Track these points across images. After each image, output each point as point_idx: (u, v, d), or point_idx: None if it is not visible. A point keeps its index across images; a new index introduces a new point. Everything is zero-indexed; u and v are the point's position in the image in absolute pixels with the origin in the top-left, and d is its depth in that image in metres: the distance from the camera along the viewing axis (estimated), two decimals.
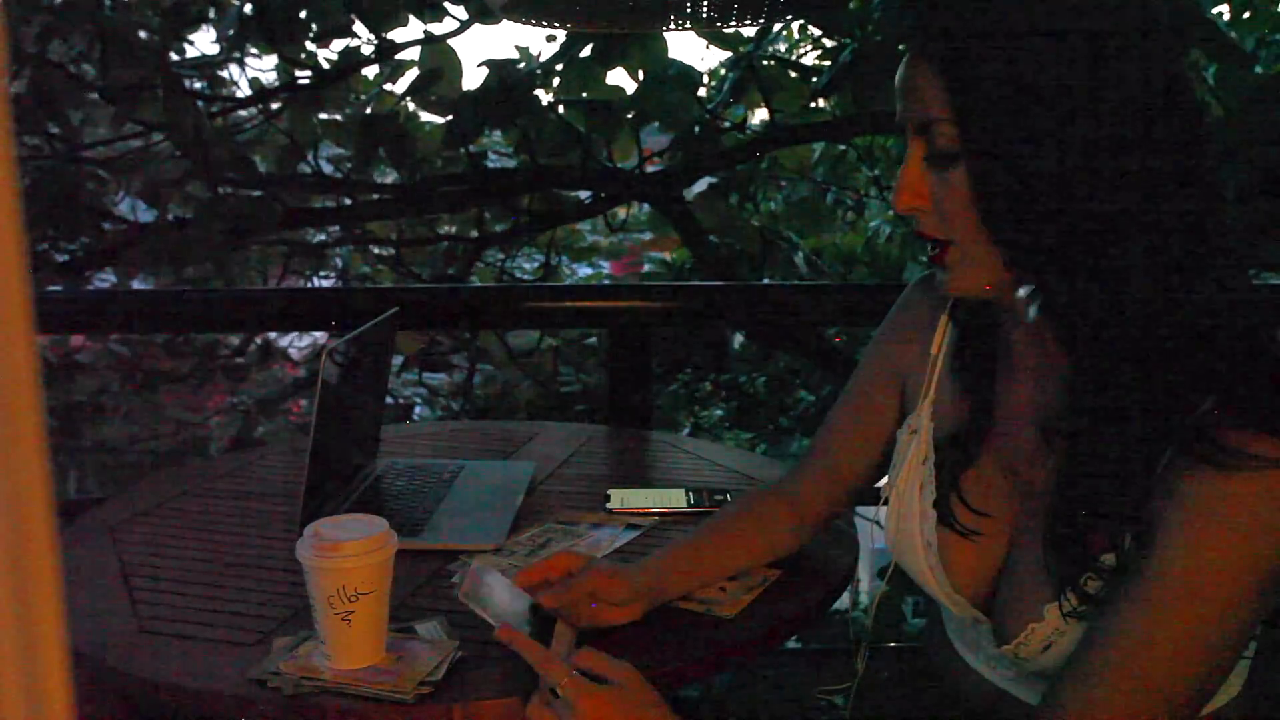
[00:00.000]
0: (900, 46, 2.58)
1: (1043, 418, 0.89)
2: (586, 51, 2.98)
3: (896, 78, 0.85)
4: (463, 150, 3.06)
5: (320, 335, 3.59)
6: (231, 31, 3.02)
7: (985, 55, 0.78)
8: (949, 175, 0.82)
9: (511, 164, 3.32)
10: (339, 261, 3.90)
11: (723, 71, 3.35)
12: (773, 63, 3.09)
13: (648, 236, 3.89)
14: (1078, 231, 0.77)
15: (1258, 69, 2.97)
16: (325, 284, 3.88)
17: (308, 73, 3.22)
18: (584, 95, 3.06)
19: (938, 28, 0.80)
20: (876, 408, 1.09)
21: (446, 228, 3.73)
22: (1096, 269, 0.77)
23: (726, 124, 3.20)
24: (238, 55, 3.27)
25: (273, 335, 3.68)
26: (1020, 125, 0.77)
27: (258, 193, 3.21)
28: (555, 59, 3.02)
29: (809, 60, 3.39)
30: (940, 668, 1.04)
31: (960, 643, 1.01)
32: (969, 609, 0.95)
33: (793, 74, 3.08)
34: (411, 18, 2.99)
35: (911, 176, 0.84)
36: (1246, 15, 3.15)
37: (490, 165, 3.26)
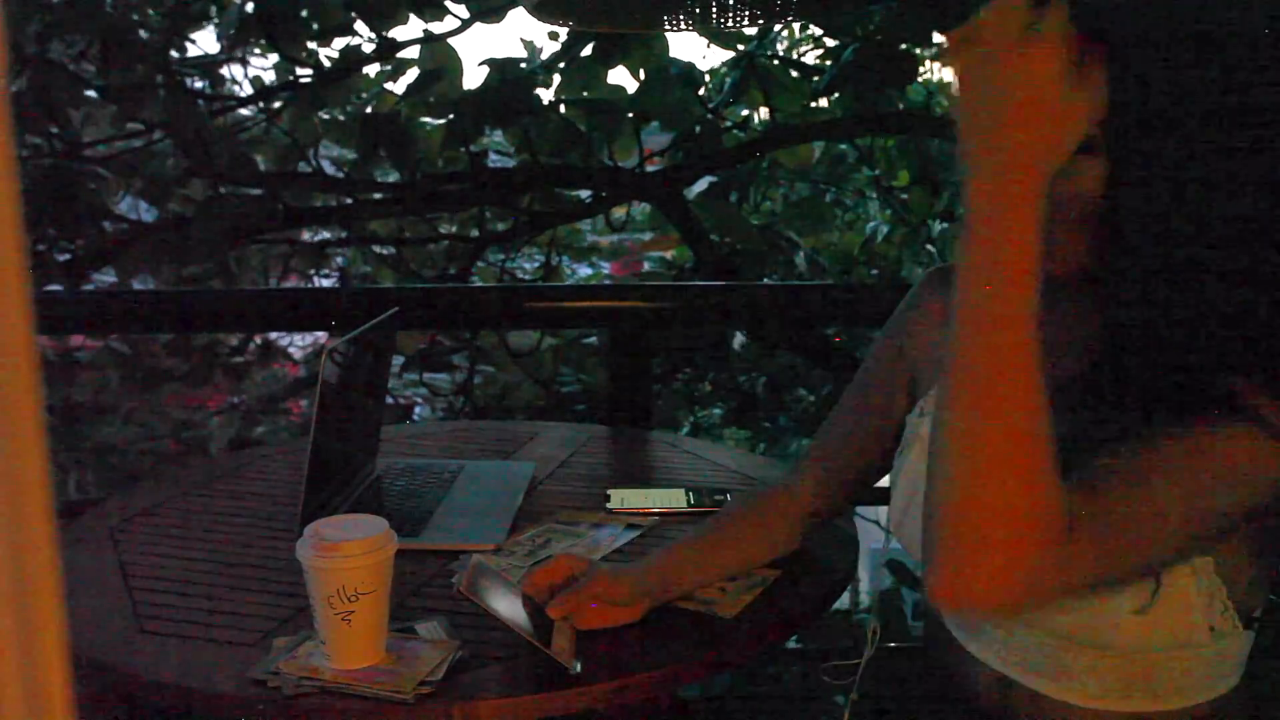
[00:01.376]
0: (904, 46, 2.59)
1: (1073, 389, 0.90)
2: (588, 51, 2.98)
3: None
4: (464, 149, 3.06)
5: (320, 335, 3.58)
6: (233, 30, 3.02)
7: (1153, 52, 0.76)
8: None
9: (512, 163, 3.32)
10: (340, 261, 3.90)
11: (724, 71, 3.34)
12: (774, 62, 3.09)
13: (648, 236, 3.88)
14: (1207, 235, 0.77)
15: None
16: (325, 284, 3.87)
17: (309, 72, 3.22)
18: (585, 94, 3.06)
19: (1105, 16, 0.78)
20: (881, 406, 1.09)
21: (447, 227, 3.73)
22: (1219, 274, 0.78)
23: (727, 123, 3.20)
24: (239, 54, 3.27)
25: (273, 335, 3.68)
26: (1175, 126, 0.76)
27: (258, 192, 3.21)
28: (556, 58, 3.02)
29: (810, 59, 3.39)
30: (941, 663, 1.04)
31: (960, 630, 1.01)
32: None
33: (794, 73, 3.08)
34: (412, 16, 2.99)
35: None
36: None
37: (491, 165, 3.26)
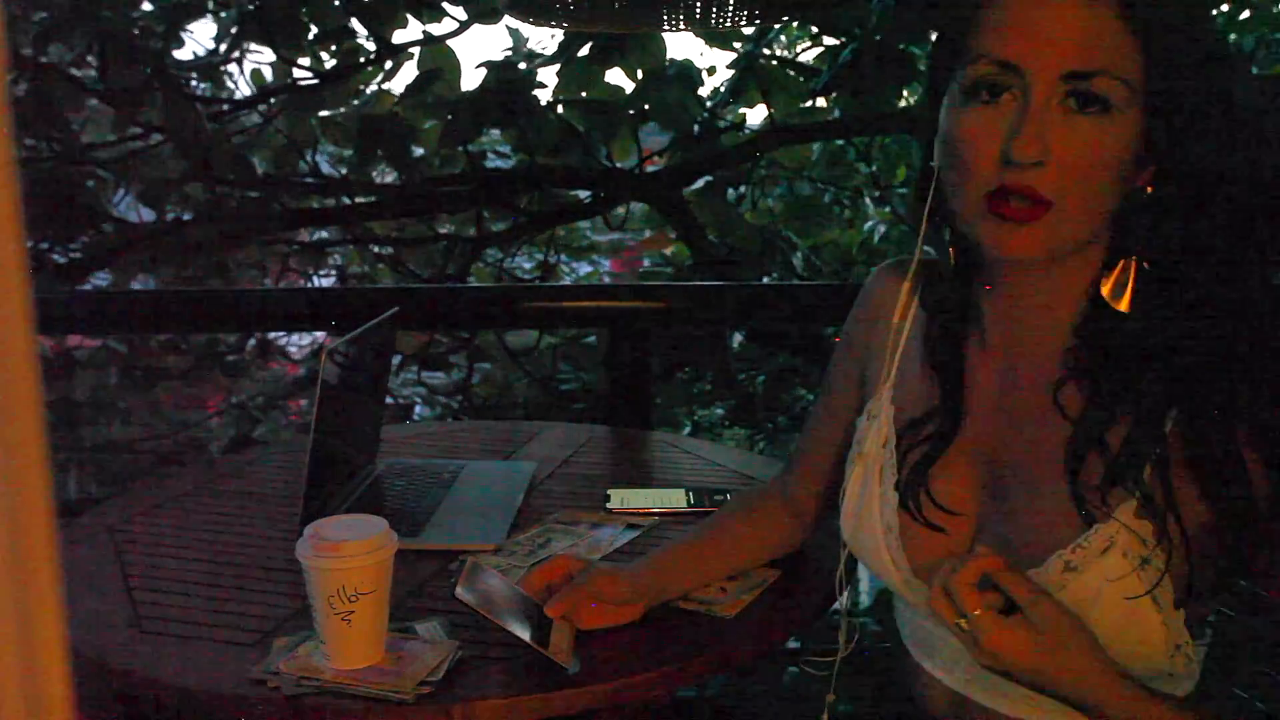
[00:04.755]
0: (902, 46, 2.58)
1: (1013, 398, 0.90)
2: (585, 50, 2.98)
3: (1030, 22, 0.79)
4: (462, 149, 3.06)
5: (320, 335, 3.58)
6: (233, 30, 3.02)
7: (1185, 16, 0.78)
8: (1089, 128, 0.78)
9: (510, 163, 3.32)
10: (338, 260, 3.90)
11: (723, 70, 3.35)
12: (773, 61, 3.09)
13: (647, 234, 3.88)
14: (1239, 210, 0.79)
15: (1255, 69, 2.97)
16: (325, 284, 3.87)
17: (307, 73, 3.22)
18: (583, 94, 3.06)
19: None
20: (849, 401, 1.07)
21: (445, 227, 3.73)
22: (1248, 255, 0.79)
23: (725, 121, 3.20)
24: (237, 56, 3.27)
25: (272, 334, 3.68)
26: (1212, 91, 0.78)
27: (256, 194, 3.21)
28: (554, 58, 3.02)
29: (808, 58, 3.39)
30: (904, 677, 1.03)
31: (916, 648, 0.99)
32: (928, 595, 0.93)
33: (791, 72, 3.08)
34: (410, 18, 2.99)
35: (1044, 124, 0.78)
36: (1246, 15, 3.15)
37: (489, 165, 3.26)
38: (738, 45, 3.12)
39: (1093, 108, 0.78)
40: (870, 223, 3.58)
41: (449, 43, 3.14)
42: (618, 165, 3.13)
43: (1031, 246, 0.81)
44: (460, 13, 3.03)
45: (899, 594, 0.97)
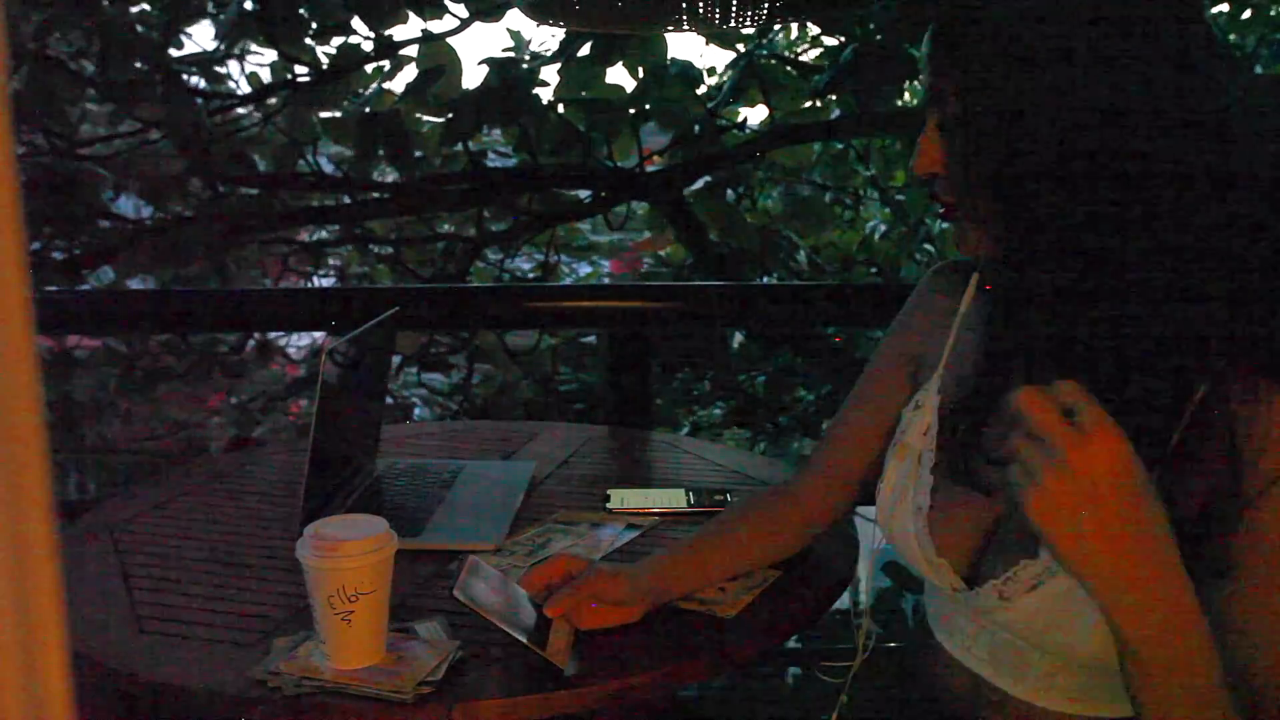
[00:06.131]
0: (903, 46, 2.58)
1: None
2: (586, 50, 2.98)
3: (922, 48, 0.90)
4: (462, 148, 3.06)
5: (319, 335, 3.58)
6: (231, 26, 3.02)
7: (981, 25, 0.81)
8: (952, 143, 0.86)
9: (511, 163, 3.32)
10: (338, 260, 3.90)
11: (722, 69, 3.35)
12: (773, 61, 3.09)
13: (646, 235, 3.88)
14: (1066, 203, 0.78)
15: (1259, 69, 2.97)
16: (325, 283, 3.87)
17: (306, 70, 3.22)
18: (584, 93, 3.06)
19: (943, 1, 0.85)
20: (890, 403, 1.08)
21: (446, 226, 3.73)
22: (1085, 242, 0.78)
23: (724, 121, 3.20)
24: (237, 52, 3.27)
25: (271, 334, 3.67)
26: (1017, 92, 0.79)
27: (255, 191, 3.21)
28: (555, 57, 3.01)
29: (808, 58, 3.39)
30: (922, 664, 1.04)
31: (939, 629, 1.01)
32: (950, 576, 0.94)
33: (792, 71, 3.08)
34: (411, 15, 2.99)
35: (926, 142, 0.89)
36: (1246, 15, 3.15)
37: (490, 164, 3.26)
38: (740, 45, 3.12)
39: (944, 123, 0.87)
40: (871, 223, 3.58)
41: (449, 40, 3.14)
42: (618, 165, 3.13)
43: (966, 247, 0.91)
44: (461, 10, 3.02)
45: (925, 575, 0.98)
